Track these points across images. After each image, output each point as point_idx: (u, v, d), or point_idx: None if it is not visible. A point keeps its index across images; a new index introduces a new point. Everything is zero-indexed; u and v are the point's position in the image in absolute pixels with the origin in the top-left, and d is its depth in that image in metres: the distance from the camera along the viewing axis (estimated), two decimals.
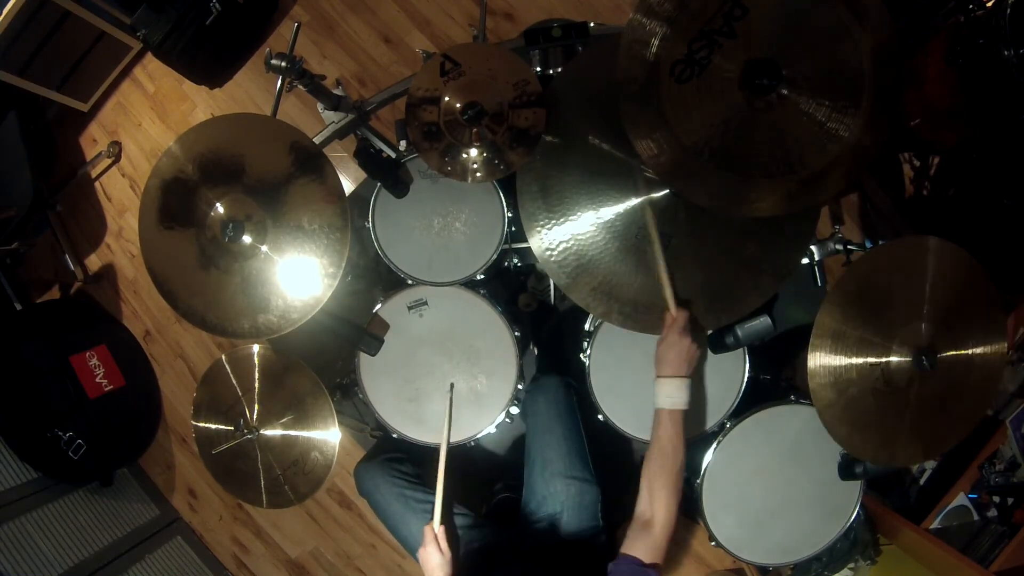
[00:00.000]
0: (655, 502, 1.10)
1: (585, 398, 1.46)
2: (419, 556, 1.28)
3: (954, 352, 1.16)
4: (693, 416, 1.42)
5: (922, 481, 1.68)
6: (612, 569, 1.08)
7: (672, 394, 1.17)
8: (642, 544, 1.08)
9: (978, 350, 1.17)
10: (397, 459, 1.54)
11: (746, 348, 1.38)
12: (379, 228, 1.44)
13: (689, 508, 1.29)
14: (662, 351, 1.19)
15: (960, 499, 1.55)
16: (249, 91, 2.40)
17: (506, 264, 1.61)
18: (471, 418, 1.49)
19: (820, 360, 1.13)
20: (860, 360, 1.14)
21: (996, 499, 1.54)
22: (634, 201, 1.21)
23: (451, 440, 1.49)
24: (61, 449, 2.11)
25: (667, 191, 1.19)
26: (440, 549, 1.25)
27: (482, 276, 1.45)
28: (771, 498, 1.38)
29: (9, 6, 2.01)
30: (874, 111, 0.98)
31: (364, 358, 1.47)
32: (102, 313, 2.45)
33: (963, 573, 1.45)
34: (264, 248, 1.18)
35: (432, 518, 1.29)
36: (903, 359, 1.14)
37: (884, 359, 1.14)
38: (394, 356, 1.47)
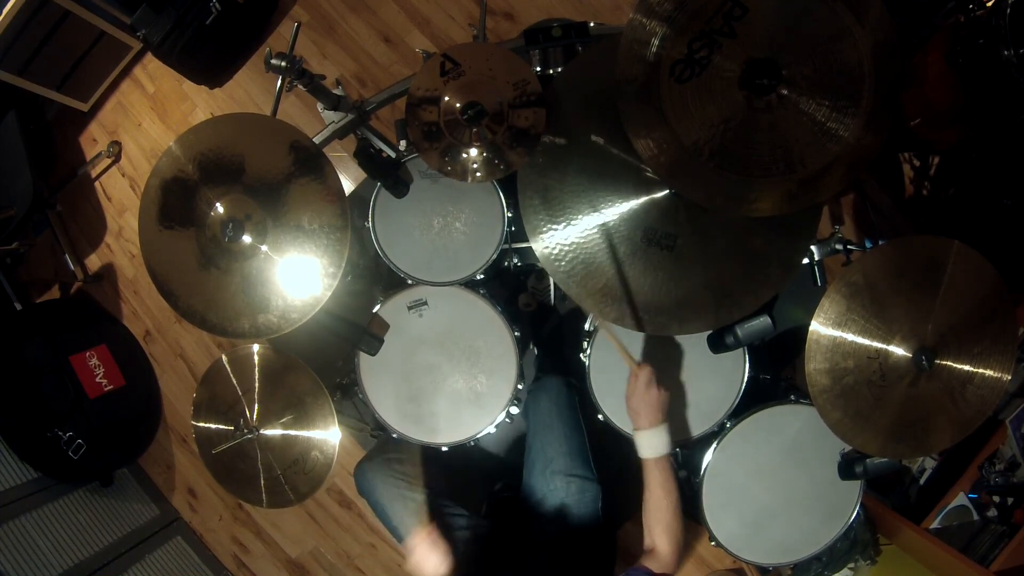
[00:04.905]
0: (657, 540, 1.18)
1: (585, 398, 1.47)
2: (412, 564, 1.29)
3: (955, 363, 1.16)
4: (694, 416, 1.42)
5: (922, 481, 1.68)
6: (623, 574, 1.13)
7: (653, 444, 1.22)
8: (651, 563, 1.15)
9: (979, 369, 1.16)
10: (396, 459, 1.54)
11: (746, 348, 1.38)
12: (379, 228, 1.44)
13: (689, 508, 1.30)
14: (633, 405, 1.24)
15: (960, 499, 1.55)
16: (249, 91, 2.40)
17: (506, 264, 1.61)
18: (471, 418, 1.48)
19: (819, 341, 1.13)
20: (860, 341, 1.13)
21: (996, 499, 1.54)
22: (635, 203, 1.21)
23: (451, 440, 1.49)
24: (61, 449, 2.11)
25: (667, 191, 1.19)
26: (434, 551, 1.27)
27: (482, 276, 1.45)
28: (771, 498, 1.38)
29: (9, 6, 2.01)
30: (874, 111, 0.98)
31: (364, 358, 1.47)
32: (102, 313, 2.45)
33: (963, 573, 1.45)
34: (264, 248, 1.18)
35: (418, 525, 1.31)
36: (903, 354, 1.14)
37: (884, 346, 1.13)
38: (394, 356, 1.47)
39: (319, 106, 1.47)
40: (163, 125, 2.46)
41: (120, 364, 2.30)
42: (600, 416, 1.43)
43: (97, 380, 2.23)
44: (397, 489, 1.47)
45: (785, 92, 0.99)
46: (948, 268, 1.14)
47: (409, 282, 1.46)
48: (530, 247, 1.25)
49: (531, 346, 1.92)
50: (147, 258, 1.23)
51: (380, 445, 1.66)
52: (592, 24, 1.43)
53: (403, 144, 1.56)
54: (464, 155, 1.21)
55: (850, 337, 1.13)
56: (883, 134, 0.99)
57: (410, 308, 1.47)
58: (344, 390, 1.71)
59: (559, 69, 1.50)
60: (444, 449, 1.50)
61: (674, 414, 1.35)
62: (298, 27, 1.37)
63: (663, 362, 1.38)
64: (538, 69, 1.50)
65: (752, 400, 1.40)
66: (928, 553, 1.57)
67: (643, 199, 1.20)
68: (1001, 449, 1.57)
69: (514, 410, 1.49)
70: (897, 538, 1.72)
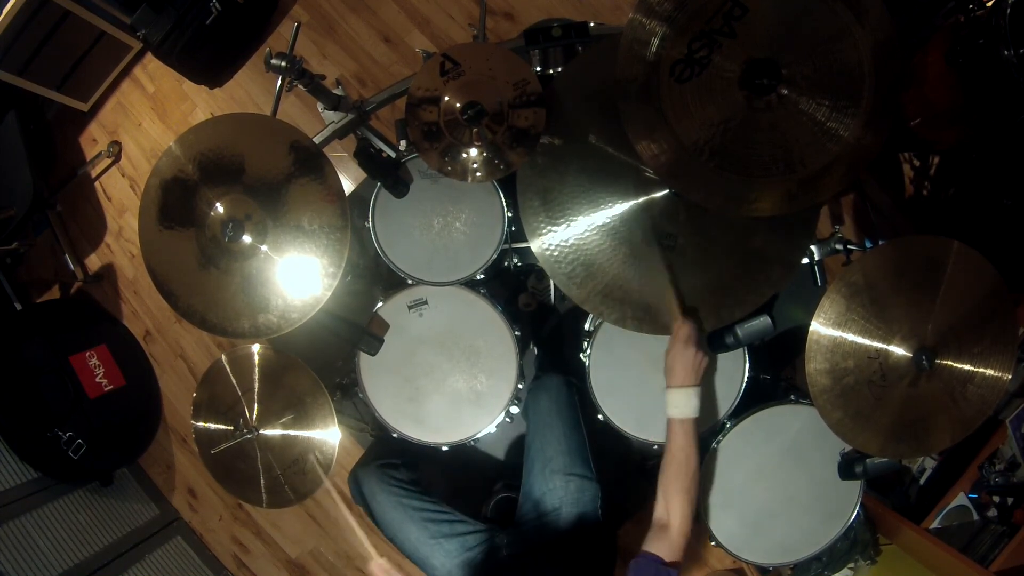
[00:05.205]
0: (671, 508, 1.12)
1: (585, 398, 1.47)
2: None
3: (955, 363, 1.15)
4: None
5: (922, 481, 1.68)
6: (633, 566, 1.09)
7: (681, 404, 1.17)
8: (662, 545, 1.10)
9: (980, 369, 1.16)
10: (392, 465, 1.53)
11: (746, 348, 1.38)
12: (379, 228, 1.44)
13: None
14: (670, 361, 1.19)
15: (960, 499, 1.55)
16: (249, 91, 2.40)
17: (506, 264, 1.61)
18: (471, 418, 1.48)
19: (820, 341, 1.13)
20: (860, 341, 1.13)
21: (996, 499, 1.54)
22: (635, 203, 1.21)
23: (451, 440, 1.49)
24: (61, 449, 2.10)
25: (667, 191, 1.19)
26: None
27: (482, 276, 1.45)
28: (771, 498, 1.38)
29: (9, 6, 2.01)
30: (874, 111, 0.98)
31: (364, 358, 1.47)
32: (102, 313, 2.45)
33: (963, 573, 1.45)
34: (264, 248, 1.18)
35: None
36: (903, 354, 1.14)
37: (884, 346, 1.13)
38: (394, 356, 1.47)
39: (319, 106, 1.47)
40: (163, 125, 2.46)
41: (120, 364, 2.30)
42: (600, 416, 1.43)
43: (97, 380, 2.22)
44: (396, 497, 1.46)
45: (785, 92, 0.99)
46: (948, 268, 1.14)
47: (409, 282, 1.46)
48: (530, 247, 1.25)
49: (531, 346, 1.92)
50: (147, 258, 1.23)
51: (373, 450, 1.65)
52: (592, 24, 1.43)
53: (403, 144, 1.56)
54: (464, 155, 1.21)
55: (850, 337, 1.13)
56: (883, 134, 0.99)
57: (410, 308, 1.47)
58: (344, 390, 1.71)
59: (559, 69, 1.50)
60: (444, 449, 1.50)
61: None
62: (298, 27, 1.37)
63: (663, 362, 1.38)
64: (538, 69, 1.50)
65: (752, 400, 1.40)
66: (928, 553, 1.57)
67: (643, 199, 1.20)
68: (1001, 449, 1.57)
69: (514, 410, 1.49)
70: (897, 538, 1.72)
